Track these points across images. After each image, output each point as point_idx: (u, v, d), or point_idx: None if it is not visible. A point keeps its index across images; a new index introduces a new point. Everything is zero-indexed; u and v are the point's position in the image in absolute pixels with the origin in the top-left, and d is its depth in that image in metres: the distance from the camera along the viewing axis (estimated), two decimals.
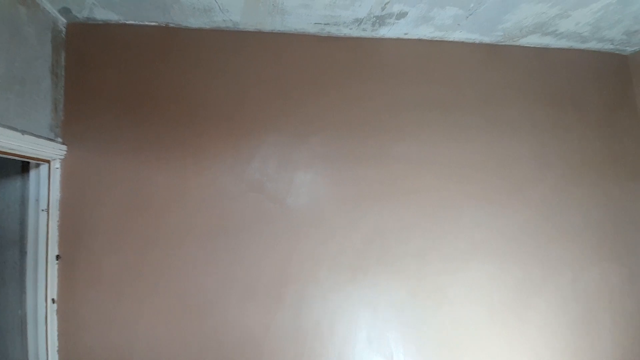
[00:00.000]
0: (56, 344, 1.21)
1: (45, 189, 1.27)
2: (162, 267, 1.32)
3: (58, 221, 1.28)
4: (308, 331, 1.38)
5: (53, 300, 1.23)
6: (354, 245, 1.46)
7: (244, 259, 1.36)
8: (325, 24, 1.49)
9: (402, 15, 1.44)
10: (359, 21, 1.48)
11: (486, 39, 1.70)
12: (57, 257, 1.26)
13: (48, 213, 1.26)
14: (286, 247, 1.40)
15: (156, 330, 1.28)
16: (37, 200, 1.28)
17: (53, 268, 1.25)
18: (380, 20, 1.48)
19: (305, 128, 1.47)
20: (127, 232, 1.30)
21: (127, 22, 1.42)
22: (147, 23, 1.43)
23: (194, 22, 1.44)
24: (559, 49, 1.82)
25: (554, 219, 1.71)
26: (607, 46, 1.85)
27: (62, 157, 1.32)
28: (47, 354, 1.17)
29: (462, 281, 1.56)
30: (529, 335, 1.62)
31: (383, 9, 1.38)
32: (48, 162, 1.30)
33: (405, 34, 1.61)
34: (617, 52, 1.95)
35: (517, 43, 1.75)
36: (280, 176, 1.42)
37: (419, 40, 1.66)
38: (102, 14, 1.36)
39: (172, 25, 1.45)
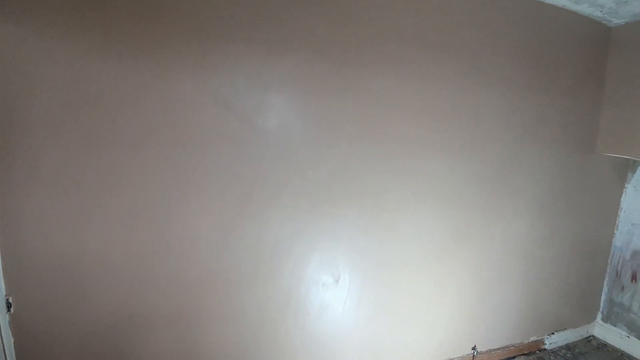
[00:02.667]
0: None
1: None
2: (114, 173, 1.23)
3: None
4: (265, 250, 1.45)
5: None
6: (317, 177, 1.48)
7: (206, 174, 1.32)
8: None
9: None
10: None
11: None
12: None
13: None
14: (250, 169, 1.37)
15: (106, 237, 1.24)
16: None
17: None
18: None
19: (280, 44, 1.34)
20: (68, 129, 1.16)
21: None
22: None
23: None
24: (552, 5, 1.77)
25: (501, 176, 1.86)
26: (596, 12, 1.84)
27: None
28: None
29: (411, 221, 1.69)
30: (457, 272, 1.87)
31: None
32: None
33: None
34: (603, 21, 1.96)
35: None
36: (250, 94, 1.33)
37: None
38: None
39: None
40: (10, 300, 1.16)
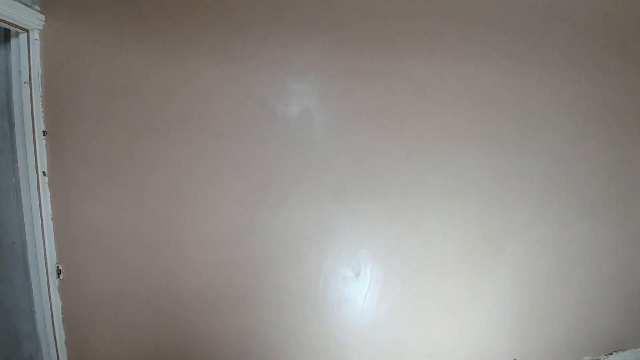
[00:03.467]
0: (50, 212, 1.31)
1: (26, 60, 1.22)
2: (150, 157, 1.33)
3: (41, 96, 1.26)
4: (285, 238, 1.46)
5: (44, 173, 1.29)
6: (339, 167, 1.44)
7: (230, 160, 1.35)
8: None
9: None
10: None
11: None
12: (44, 132, 1.28)
13: (30, 86, 1.23)
14: (271, 156, 1.37)
15: (141, 216, 1.36)
16: (20, 72, 1.24)
17: (41, 143, 1.28)
18: None
19: (302, 28, 1.30)
20: (112, 115, 1.28)
21: None
22: None
23: None
24: None
25: (554, 171, 1.62)
26: None
27: (41, 27, 1.23)
28: (41, 220, 1.28)
29: (440, 216, 1.56)
30: (496, 277, 1.69)
31: None
32: (26, 31, 1.22)
33: None
34: None
35: None
36: (271, 81, 1.32)
37: None
38: None
39: None
40: (60, 267, 1.32)
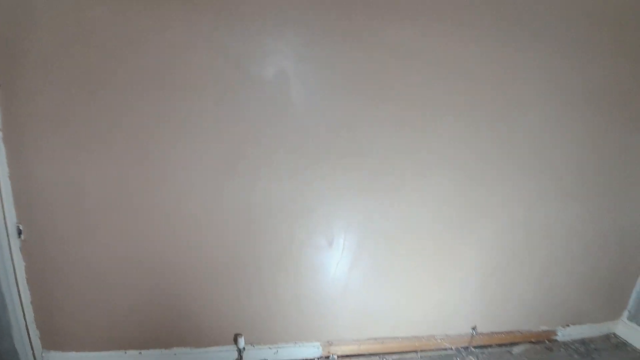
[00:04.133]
0: (6, 170, 1.23)
1: None
2: (114, 113, 1.24)
3: None
4: (259, 205, 1.44)
5: None
6: (317, 133, 1.39)
7: (199, 122, 1.28)
8: None
9: None
10: None
11: None
12: None
13: None
14: (246, 120, 1.31)
15: (103, 176, 1.29)
16: None
17: None
18: None
19: None
20: (69, 65, 1.16)
21: None
22: None
23: None
24: None
25: (529, 152, 1.62)
26: None
27: None
28: None
29: (418, 189, 1.56)
30: (467, 249, 1.74)
31: None
32: None
33: None
34: None
35: None
36: (245, 38, 1.22)
37: None
38: None
39: None
40: (21, 227, 1.27)
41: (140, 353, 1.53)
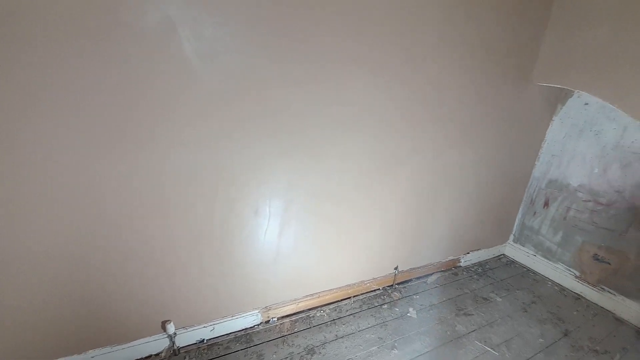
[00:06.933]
0: None
1: None
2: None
3: None
4: (164, 179, 1.28)
5: None
6: (222, 98, 1.26)
7: (67, 80, 1.03)
8: None
9: None
10: None
11: None
12: None
13: None
14: (129, 80, 1.10)
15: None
16: None
17: None
18: None
19: None
20: None
21: None
22: None
23: None
24: None
25: (432, 103, 1.76)
26: None
27: None
28: None
29: (338, 144, 1.58)
30: (384, 200, 1.87)
31: None
32: None
33: None
34: None
35: None
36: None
37: None
38: None
39: None
40: None
41: None
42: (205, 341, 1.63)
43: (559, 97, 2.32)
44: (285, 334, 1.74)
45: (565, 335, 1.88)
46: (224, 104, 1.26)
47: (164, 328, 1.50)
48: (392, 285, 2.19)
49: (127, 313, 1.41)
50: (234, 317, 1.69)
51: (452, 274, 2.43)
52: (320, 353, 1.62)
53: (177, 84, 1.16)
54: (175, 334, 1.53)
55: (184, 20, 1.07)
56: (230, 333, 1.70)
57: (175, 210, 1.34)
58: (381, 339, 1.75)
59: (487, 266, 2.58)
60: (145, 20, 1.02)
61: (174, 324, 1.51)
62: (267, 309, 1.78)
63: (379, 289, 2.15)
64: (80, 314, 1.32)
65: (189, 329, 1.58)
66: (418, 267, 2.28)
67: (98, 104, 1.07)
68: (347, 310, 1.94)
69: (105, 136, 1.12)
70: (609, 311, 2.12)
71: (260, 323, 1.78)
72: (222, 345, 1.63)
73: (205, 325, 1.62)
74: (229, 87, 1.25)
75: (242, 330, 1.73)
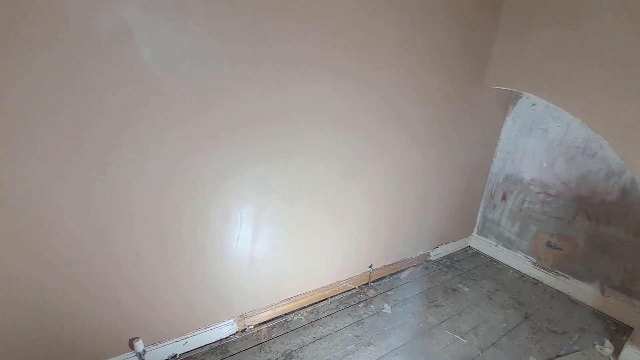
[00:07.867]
0: None
1: None
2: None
3: None
4: (123, 189, 1.22)
5: None
6: (185, 101, 1.23)
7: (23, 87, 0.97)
8: None
9: None
10: None
11: None
12: None
13: None
14: (88, 84, 1.05)
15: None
16: None
17: None
18: None
19: None
20: None
21: None
22: None
23: None
24: None
25: (396, 107, 1.84)
26: None
27: None
28: None
29: (310, 146, 1.60)
30: (355, 201, 1.91)
31: None
32: None
33: None
34: None
35: None
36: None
37: None
38: None
39: None
40: None
41: None
42: (177, 356, 1.57)
43: (510, 99, 2.51)
44: (262, 341, 1.71)
45: (526, 318, 2.03)
46: (188, 112, 1.23)
47: (131, 346, 1.43)
48: (367, 283, 2.24)
49: (91, 333, 1.32)
50: (208, 329, 1.64)
51: (424, 267, 2.54)
52: (298, 357, 1.62)
53: (137, 90, 1.11)
54: (144, 351, 1.46)
55: (141, 23, 1.03)
56: (205, 345, 1.65)
57: (139, 223, 1.28)
58: (358, 336, 1.78)
59: (455, 258, 2.72)
60: (100, 26, 0.98)
61: (142, 340, 1.44)
62: (242, 317, 1.74)
63: (355, 287, 2.19)
64: (40, 338, 1.22)
65: (159, 345, 1.51)
66: (391, 264, 2.35)
67: (46, 114, 1.00)
68: (324, 312, 1.96)
69: (58, 150, 1.05)
70: (565, 294, 2.31)
71: (236, 332, 1.74)
72: (196, 358, 1.58)
73: (177, 339, 1.56)
74: (193, 94, 1.22)
75: (218, 341, 1.68)
